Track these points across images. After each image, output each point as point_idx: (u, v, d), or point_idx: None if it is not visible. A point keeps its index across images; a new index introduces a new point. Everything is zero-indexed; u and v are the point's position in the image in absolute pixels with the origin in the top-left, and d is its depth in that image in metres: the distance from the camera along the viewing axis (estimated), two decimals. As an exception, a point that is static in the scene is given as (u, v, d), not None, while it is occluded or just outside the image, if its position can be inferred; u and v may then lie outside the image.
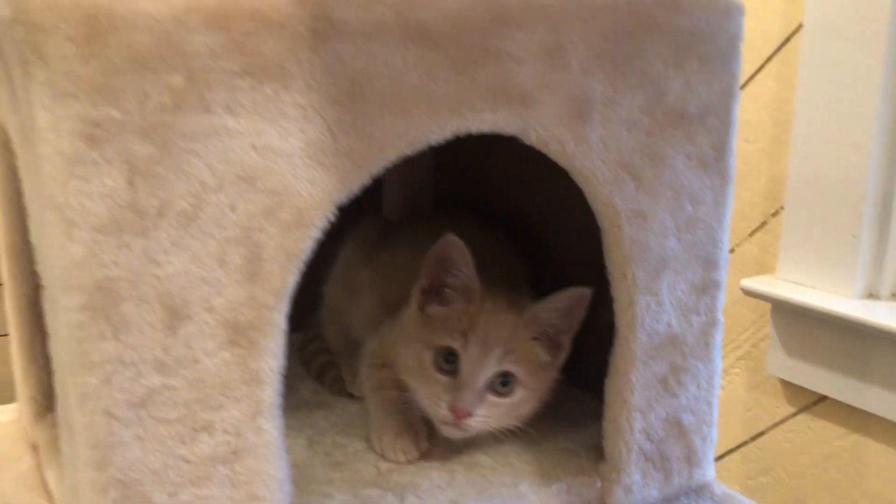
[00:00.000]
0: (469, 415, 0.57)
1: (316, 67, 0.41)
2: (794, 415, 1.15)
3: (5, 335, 0.71)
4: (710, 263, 0.58)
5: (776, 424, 1.18)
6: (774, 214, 1.13)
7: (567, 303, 0.60)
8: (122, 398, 0.40)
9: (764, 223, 1.14)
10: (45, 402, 0.68)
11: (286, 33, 0.40)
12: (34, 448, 0.67)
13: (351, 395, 0.71)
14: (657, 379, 0.58)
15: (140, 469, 0.41)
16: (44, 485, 0.58)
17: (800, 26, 1.06)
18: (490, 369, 0.58)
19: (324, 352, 0.77)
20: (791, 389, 1.14)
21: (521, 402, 0.60)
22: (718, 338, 0.61)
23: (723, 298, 0.60)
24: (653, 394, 0.58)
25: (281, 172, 0.41)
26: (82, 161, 0.37)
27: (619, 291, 0.56)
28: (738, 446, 1.22)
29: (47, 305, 0.44)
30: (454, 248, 0.60)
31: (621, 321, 0.56)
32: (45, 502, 0.57)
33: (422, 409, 0.61)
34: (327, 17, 0.40)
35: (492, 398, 0.59)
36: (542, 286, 0.64)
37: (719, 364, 0.61)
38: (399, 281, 0.73)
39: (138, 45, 0.37)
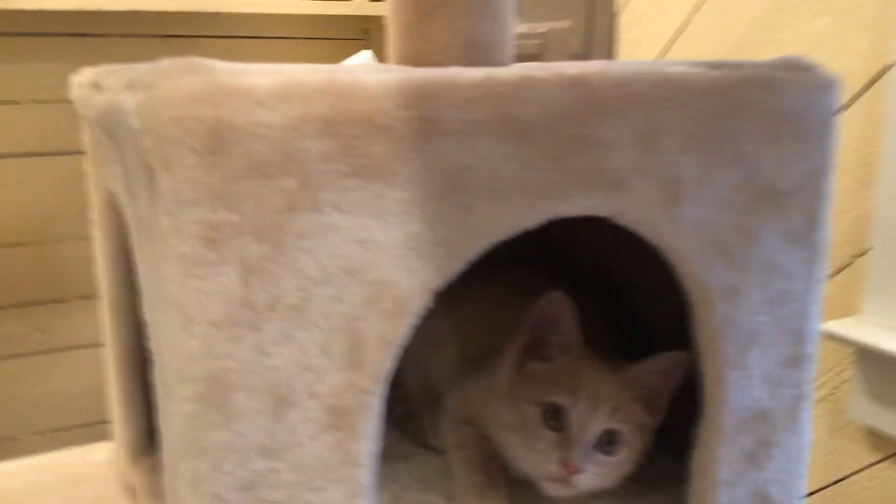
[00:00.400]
0: (580, 470, 0.57)
1: (418, 165, 0.42)
2: (878, 462, 1.12)
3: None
4: (800, 337, 0.58)
5: (859, 471, 1.15)
6: (859, 255, 1.10)
7: (666, 365, 0.60)
8: (231, 482, 0.42)
9: (848, 264, 1.11)
10: (143, 446, 0.71)
11: (392, 135, 0.41)
12: (131, 491, 0.70)
13: (432, 448, 0.72)
14: (745, 453, 0.57)
15: (247, 547, 0.43)
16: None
17: (886, 67, 1.04)
18: (599, 426, 0.59)
19: (404, 400, 0.78)
20: (876, 437, 1.12)
21: (624, 462, 0.60)
22: (807, 410, 0.60)
23: (814, 371, 0.60)
24: (740, 468, 0.57)
25: (383, 264, 0.43)
26: (201, 262, 0.39)
27: (707, 366, 0.56)
28: (817, 490, 1.20)
29: (159, 383, 0.47)
30: (560, 305, 0.60)
31: (709, 395, 0.56)
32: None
33: (522, 467, 0.61)
34: (431, 119, 0.42)
35: (599, 456, 0.59)
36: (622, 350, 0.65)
37: (809, 436, 0.61)
38: (481, 334, 0.74)
39: (256, 153, 0.39)
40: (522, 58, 0.65)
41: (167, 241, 0.39)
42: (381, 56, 1.76)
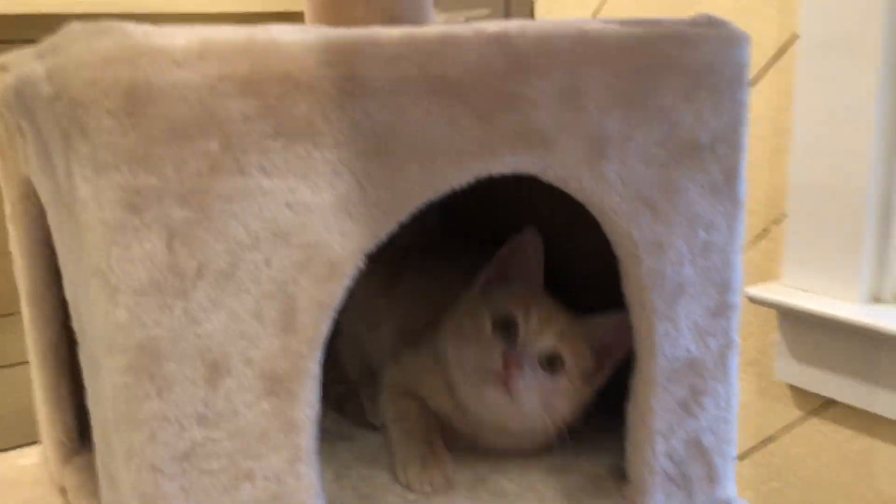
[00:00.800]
0: (521, 370, 0.59)
1: (344, 124, 0.42)
2: (803, 419, 1.17)
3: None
4: (724, 287, 0.59)
5: (786, 429, 1.20)
6: (776, 222, 1.14)
7: (620, 324, 0.60)
8: (167, 453, 0.41)
9: (766, 231, 1.16)
10: (72, 444, 0.69)
11: (315, 94, 0.41)
12: (62, 491, 0.68)
13: (372, 426, 0.72)
14: (677, 402, 0.59)
15: (186, 521, 0.42)
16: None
17: (794, 36, 1.07)
18: (546, 342, 0.61)
19: (342, 380, 0.78)
20: (799, 394, 1.16)
21: (562, 392, 0.62)
22: (735, 359, 0.62)
23: (738, 320, 0.62)
24: (674, 417, 0.59)
25: (313, 227, 0.42)
26: (123, 228, 0.38)
27: (637, 319, 0.57)
28: (750, 451, 1.24)
29: (86, 362, 0.45)
30: (531, 243, 0.64)
31: (641, 348, 0.57)
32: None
33: (467, 379, 0.62)
34: (354, 77, 0.42)
35: (540, 372, 0.61)
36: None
37: (737, 384, 0.63)
38: (416, 310, 0.74)
39: (175, 114, 0.38)
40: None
41: (87, 209, 0.38)
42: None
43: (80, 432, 0.69)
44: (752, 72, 1.10)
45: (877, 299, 1.04)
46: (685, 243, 0.56)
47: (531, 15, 1.53)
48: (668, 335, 0.57)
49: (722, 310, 0.60)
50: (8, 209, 0.65)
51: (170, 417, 0.41)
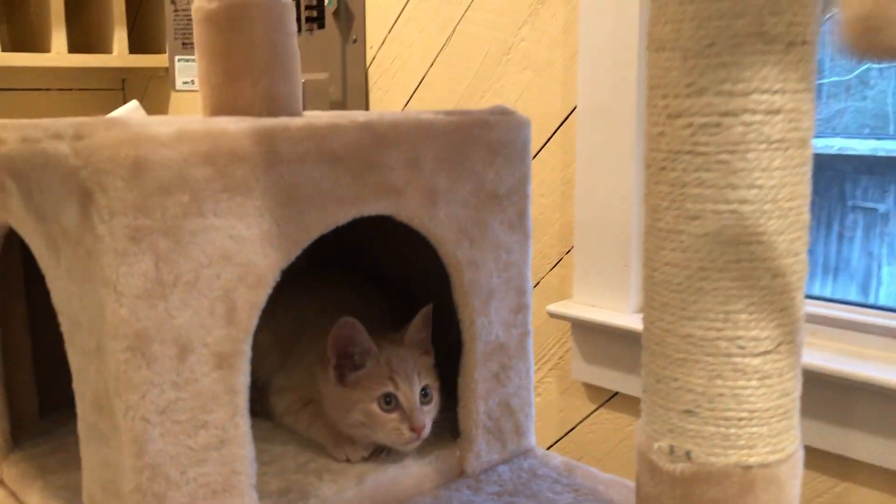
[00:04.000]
0: (424, 426, 0.77)
1: (267, 183, 0.63)
2: (596, 410, 1.42)
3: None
4: (520, 292, 0.85)
5: (583, 420, 1.44)
6: (567, 253, 1.42)
7: (421, 319, 0.82)
8: (153, 408, 0.60)
9: (560, 259, 1.43)
10: (7, 446, 0.83)
11: (249, 163, 0.62)
12: (1, 483, 0.82)
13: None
14: (492, 374, 0.83)
15: (163, 455, 0.61)
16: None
17: (574, 107, 1.37)
18: (418, 390, 0.78)
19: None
20: (592, 390, 1.40)
21: (438, 401, 0.81)
22: (531, 343, 0.87)
23: (531, 315, 0.87)
24: (490, 385, 0.83)
25: (247, 252, 0.63)
26: (126, 254, 0.57)
27: (462, 315, 0.81)
28: (556, 442, 1.48)
29: (78, 354, 0.63)
30: (351, 326, 0.77)
31: (465, 336, 0.81)
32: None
33: (383, 442, 0.78)
34: (274, 151, 0.63)
35: (426, 408, 0.78)
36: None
37: (532, 362, 0.88)
38: (295, 337, 0.92)
39: (162, 178, 0.58)
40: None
41: (102, 241, 0.57)
42: (144, 104, 1.88)
43: (14, 435, 0.84)
44: (543, 136, 1.39)
45: (642, 311, 1.32)
46: (493, 262, 0.81)
47: (365, 78, 1.75)
48: (484, 326, 0.81)
49: (520, 308, 0.85)
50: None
51: (154, 382, 0.59)
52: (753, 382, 0.52)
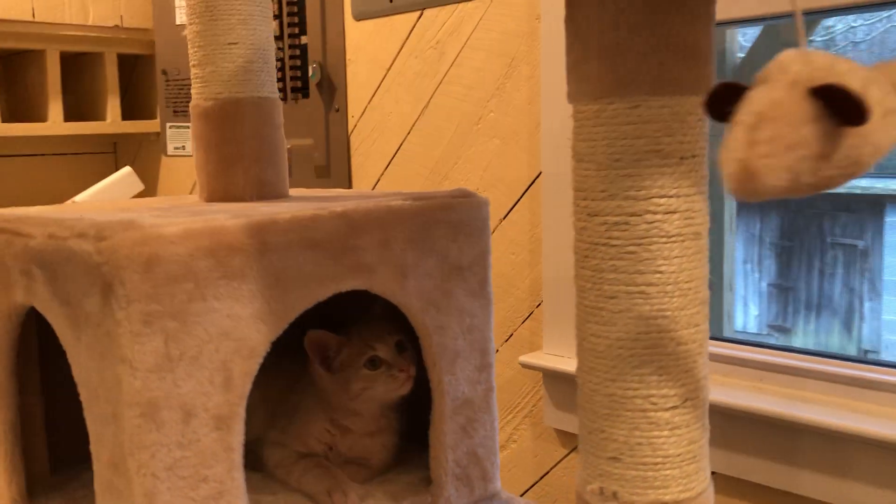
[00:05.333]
0: (409, 367, 0.91)
1: (259, 269, 0.75)
2: (568, 455, 1.52)
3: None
4: (484, 352, 0.96)
5: (556, 464, 1.54)
6: (537, 307, 1.53)
7: (378, 311, 0.95)
8: (161, 465, 0.70)
9: (531, 314, 1.54)
10: (24, 499, 0.93)
11: (244, 254, 0.73)
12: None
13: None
14: (459, 427, 0.94)
15: (171, 507, 0.71)
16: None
17: (539, 173, 1.49)
18: (392, 344, 0.92)
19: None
20: (563, 435, 1.50)
21: (412, 354, 0.93)
22: (494, 398, 0.98)
23: (494, 373, 0.98)
24: (458, 437, 0.94)
25: (242, 328, 0.74)
26: (141, 335, 0.68)
27: (431, 374, 0.92)
28: (531, 486, 1.58)
29: (95, 420, 0.73)
30: (318, 333, 0.91)
31: (434, 393, 0.92)
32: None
33: (387, 396, 0.92)
34: (264, 242, 0.75)
35: (405, 355, 0.92)
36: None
37: (496, 414, 0.99)
38: (279, 398, 1.02)
39: (171, 270, 0.69)
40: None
41: (121, 325, 0.67)
42: (136, 167, 2.00)
43: (31, 491, 0.93)
44: (511, 199, 1.52)
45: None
46: (458, 326, 0.92)
47: (347, 144, 1.88)
48: (451, 384, 0.92)
49: (484, 366, 0.96)
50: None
51: (163, 443, 0.70)
52: (665, 433, 0.63)
